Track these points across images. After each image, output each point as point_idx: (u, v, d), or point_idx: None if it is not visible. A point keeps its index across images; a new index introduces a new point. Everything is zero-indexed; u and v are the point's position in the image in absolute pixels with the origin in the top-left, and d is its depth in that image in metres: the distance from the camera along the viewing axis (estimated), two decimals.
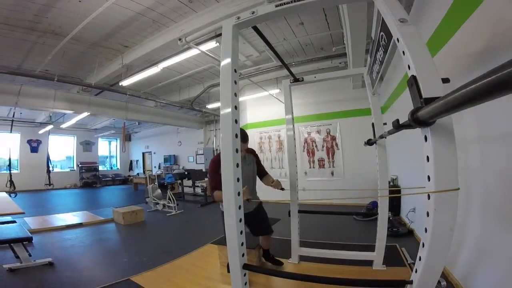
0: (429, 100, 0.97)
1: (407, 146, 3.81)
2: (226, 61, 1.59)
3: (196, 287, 2.42)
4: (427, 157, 1.14)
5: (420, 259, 1.13)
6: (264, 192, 2.62)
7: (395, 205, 4.43)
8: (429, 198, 1.16)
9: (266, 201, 2.70)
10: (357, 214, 4.71)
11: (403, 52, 1.14)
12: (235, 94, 1.58)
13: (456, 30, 2.03)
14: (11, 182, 5.34)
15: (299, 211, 2.88)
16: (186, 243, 3.68)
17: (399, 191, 4.24)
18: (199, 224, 5.21)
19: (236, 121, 1.55)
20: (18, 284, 2.51)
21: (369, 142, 2.83)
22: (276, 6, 1.43)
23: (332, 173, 6.75)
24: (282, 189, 2.37)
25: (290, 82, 3.05)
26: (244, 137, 2.33)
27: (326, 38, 4.81)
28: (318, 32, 4.54)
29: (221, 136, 1.56)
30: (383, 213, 2.61)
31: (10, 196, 6.27)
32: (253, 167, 2.53)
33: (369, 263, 2.58)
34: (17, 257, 2.90)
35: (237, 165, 1.53)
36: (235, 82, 1.60)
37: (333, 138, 6.77)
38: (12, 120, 5.81)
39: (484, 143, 1.88)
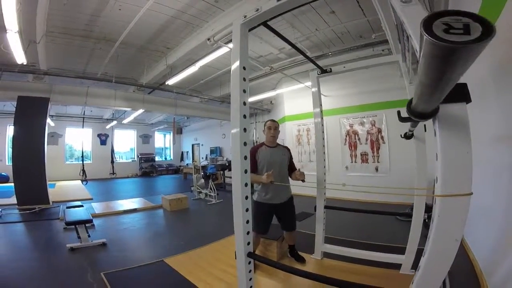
0: None
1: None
2: (236, 59, 1.65)
3: (217, 271, 2.60)
4: (436, 155, 1.04)
5: (418, 269, 1.04)
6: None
7: None
8: (435, 202, 1.05)
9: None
10: (399, 214, 4.33)
11: (410, 36, 1.04)
12: (244, 91, 1.63)
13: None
14: (83, 171, 6.35)
15: (326, 207, 2.83)
16: (219, 231, 3.91)
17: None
18: None
19: (244, 116, 1.61)
20: (73, 261, 2.95)
21: (406, 136, 2.61)
22: (278, 0, 1.42)
23: (377, 169, 6.29)
24: (303, 180, 2.43)
25: (318, 74, 2.94)
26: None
27: (363, 25, 4.48)
28: (353, 19, 4.25)
29: (231, 131, 1.63)
30: (418, 214, 2.42)
31: (82, 183, 7.50)
32: (286, 159, 2.64)
33: (397, 266, 2.42)
34: (79, 237, 3.39)
35: (245, 158, 1.59)
36: (244, 79, 1.65)
37: (379, 131, 6.27)
38: (83, 117, 6.86)
39: None
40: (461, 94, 0.92)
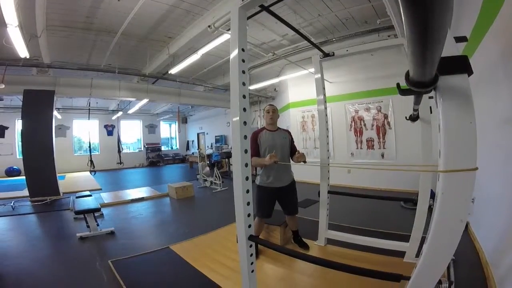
0: None
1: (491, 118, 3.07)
2: (234, 41, 1.62)
3: (221, 257, 2.64)
4: (439, 126, 0.98)
5: (421, 255, 1.00)
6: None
7: None
8: (438, 179, 0.99)
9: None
10: (404, 200, 4.25)
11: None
12: (243, 72, 1.60)
13: None
14: (91, 162, 6.43)
15: (330, 192, 2.81)
16: (224, 218, 3.96)
17: None
18: None
19: (244, 97, 1.58)
20: (83, 249, 3.05)
21: (411, 117, 2.53)
22: None
23: (383, 155, 6.19)
24: (304, 162, 2.42)
25: (320, 58, 2.86)
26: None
27: (368, 10, 4.31)
28: (357, 4, 4.10)
29: (231, 111, 1.61)
30: (423, 201, 2.37)
31: (91, 174, 7.64)
32: (288, 142, 2.65)
33: (401, 254, 2.38)
34: (88, 226, 3.48)
35: (245, 137, 1.57)
36: (243, 61, 1.62)
37: (385, 117, 6.14)
38: (89, 109, 6.91)
39: None
40: (461, 66, 0.88)
